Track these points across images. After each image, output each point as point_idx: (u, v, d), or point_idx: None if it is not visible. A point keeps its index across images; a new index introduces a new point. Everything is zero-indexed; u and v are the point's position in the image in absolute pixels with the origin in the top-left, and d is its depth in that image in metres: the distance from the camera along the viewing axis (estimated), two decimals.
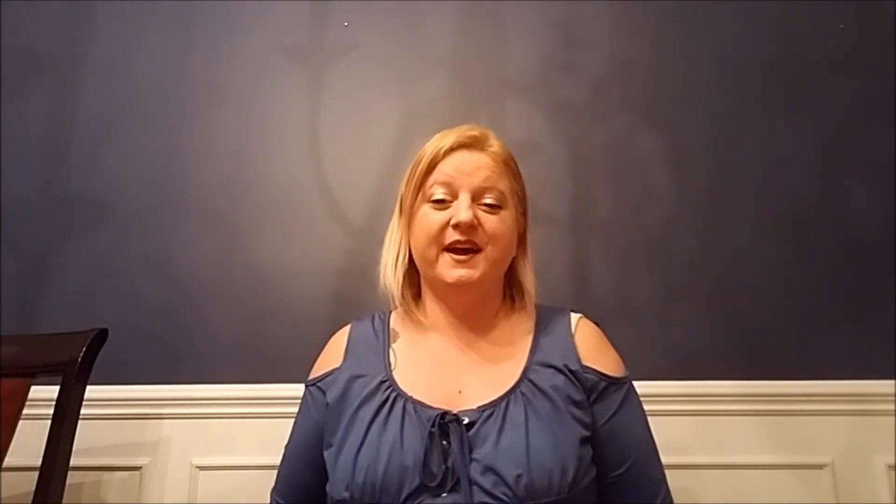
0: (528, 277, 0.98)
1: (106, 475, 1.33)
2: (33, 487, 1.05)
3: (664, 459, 1.31)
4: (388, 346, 0.96)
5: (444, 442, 0.83)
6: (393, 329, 0.99)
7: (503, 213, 0.92)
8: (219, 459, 1.33)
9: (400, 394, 0.89)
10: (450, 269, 0.90)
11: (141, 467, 1.33)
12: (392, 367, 0.93)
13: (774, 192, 1.45)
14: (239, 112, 1.51)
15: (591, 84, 1.51)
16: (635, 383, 1.30)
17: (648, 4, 1.54)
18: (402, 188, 0.98)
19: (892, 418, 1.32)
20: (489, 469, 0.80)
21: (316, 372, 1.00)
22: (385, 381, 0.91)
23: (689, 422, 1.34)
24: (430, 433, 0.83)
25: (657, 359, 1.38)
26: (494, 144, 0.96)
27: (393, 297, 0.97)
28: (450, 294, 0.94)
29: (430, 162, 0.93)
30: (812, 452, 1.32)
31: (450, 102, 1.52)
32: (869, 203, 1.44)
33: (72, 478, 1.11)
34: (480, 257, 0.90)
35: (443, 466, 0.81)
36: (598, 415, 0.90)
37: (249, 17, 1.55)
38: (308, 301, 1.42)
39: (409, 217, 0.95)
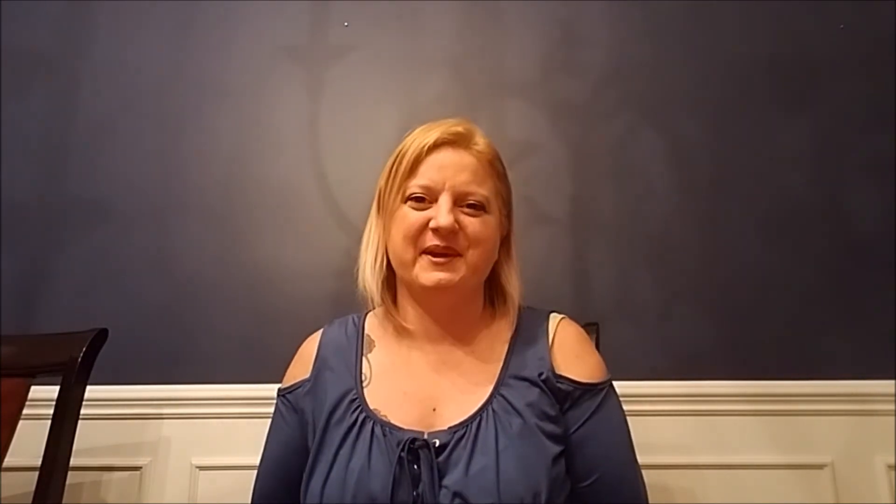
0: (512, 282, 0.93)
1: (106, 475, 1.33)
2: (33, 487, 1.05)
3: (665, 459, 1.32)
4: (362, 356, 0.92)
5: (415, 466, 0.80)
6: (368, 336, 0.95)
7: (486, 216, 0.88)
8: (219, 459, 1.33)
9: (369, 415, 0.85)
10: (428, 273, 0.85)
11: (141, 467, 1.33)
12: (365, 381, 0.89)
13: (774, 192, 1.45)
14: (239, 112, 1.51)
15: (591, 84, 1.51)
16: (636, 383, 1.31)
17: (648, 4, 1.54)
18: (380, 182, 0.93)
19: (892, 418, 1.31)
20: (459, 497, 0.78)
21: (286, 381, 0.97)
22: (355, 400, 0.87)
23: (689, 422, 1.34)
24: (400, 458, 0.80)
25: (657, 359, 1.38)
26: (480, 142, 0.90)
27: (372, 298, 0.92)
28: (427, 298, 0.90)
29: (413, 160, 0.87)
30: (812, 452, 1.32)
31: (450, 102, 1.51)
32: (869, 203, 1.44)
33: (72, 478, 1.11)
34: (461, 261, 0.86)
35: (412, 494, 0.78)
36: (570, 422, 0.87)
37: (249, 17, 1.55)
38: (308, 301, 1.41)
39: (389, 216, 0.90)
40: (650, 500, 0.94)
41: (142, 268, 1.44)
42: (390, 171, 0.91)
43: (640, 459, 0.93)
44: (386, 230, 0.91)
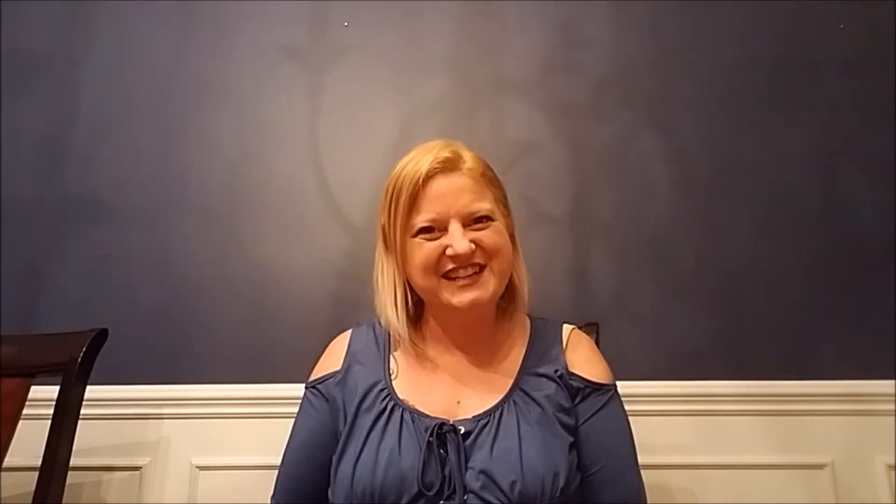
0: (520, 276, 0.97)
1: (106, 475, 1.33)
2: (33, 487, 1.05)
3: (665, 459, 1.32)
4: (389, 354, 0.97)
5: (442, 451, 0.85)
6: (394, 338, 0.98)
7: (495, 224, 0.91)
8: (219, 459, 1.34)
9: (398, 403, 0.91)
10: (459, 295, 0.89)
11: (141, 467, 1.33)
12: (393, 375, 0.95)
13: (774, 192, 1.45)
14: (239, 112, 1.51)
15: (592, 84, 1.51)
16: (636, 383, 1.31)
17: (649, 4, 1.54)
18: (381, 219, 0.95)
19: (892, 418, 1.32)
20: (484, 476, 0.83)
21: (316, 374, 1.01)
22: (384, 390, 0.92)
23: (689, 422, 1.34)
24: (429, 442, 0.85)
25: (657, 359, 1.38)
26: (468, 159, 0.93)
27: (400, 337, 0.95)
28: (459, 315, 0.93)
29: (411, 195, 0.90)
30: (812, 452, 1.32)
31: (450, 102, 1.52)
32: (869, 203, 1.44)
33: (72, 478, 1.11)
34: (487, 273, 0.90)
35: (440, 475, 0.84)
36: (580, 414, 0.92)
37: (249, 17, 1.55)
38: (308, 301, 1.41)
39: (400, 252, 0.92)
40: (650, 501, 0.95)
41: (142, 268, 1.44)
42: (390, 209, 0.92)
43: (640, 459, 0.94)
44: (398, 265, 0.94)
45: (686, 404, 1.34)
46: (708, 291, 1.42)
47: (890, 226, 1.43)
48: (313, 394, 0.99)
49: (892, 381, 1.33)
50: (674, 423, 1.33)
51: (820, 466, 1.31)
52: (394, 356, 0.97)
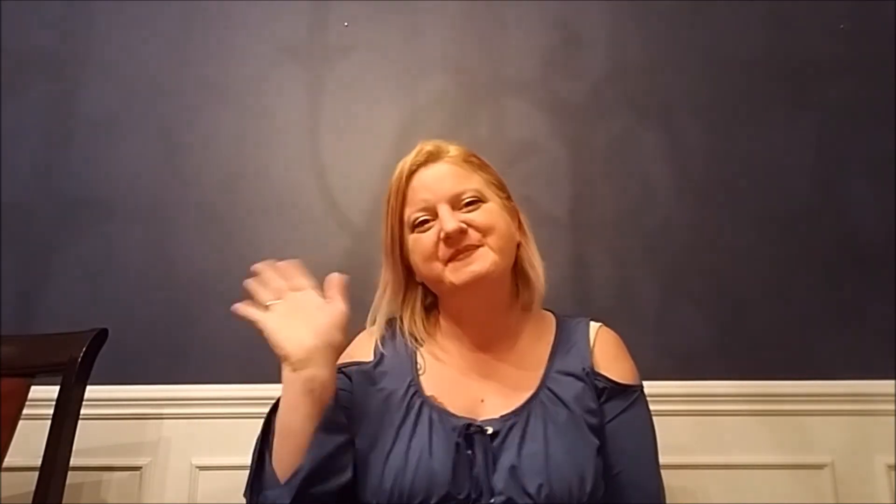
0: (532, 263, 0.98)
1: (106, 475, 1.33)
2: (33, 487, 1.05)
3: (665, 459, 1.30)
4: (417, 351, 0.98)
5: (469, 451, 0.85)
6: (419, 334, 1.00)
7: (486, 205, 0.93)
8: (219, 459, 1.33)
9: (426, 400, 0.90)
10: (458, 273, 0.90)
11: (141, 467, 1.33)
12: (420, 370, 0.95)
13: (774, 192, 1.45)
14: (239, 112, 1.51)
15: (591, 84, 1.51)
16: None
17: (648, 4, 1.54)
18: (382, 233, 0.99)
19: (892, 418, 1.31)
20: (512, 479, 0.82)
21: (343, 360, 0.99)
22: (412, 386, 0.92)
23: (689, 422, 1.34)
24: (457, 443, 0.85)
25: (657, 359, 1.37)
26: (450, 150, 0.97)
27: (417, 338, 0.98)
28: (466, 297, 0.93)
29: (398, 193, 0.95)
30: (812, 452, 1.32)
31: (450, 102, 1.52)
32: (869, 203, 1.44)
33: (72, 478, 1.11)
34: (483, 250, 0.90)
35: (469, 476, 0.83)
36: (604, 414, 0.92)
37: (249, 16, 1.55)
38: None
39: (403, 252, 0.96)
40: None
41: (142, 268, 1.44)
42: (387, 212, 0.97)
43: None
44: (403, 267, 0.97)
45: (686, 404, 1.34)
46: (708, 291, 1.42)
47: (890, 226, 1.43)
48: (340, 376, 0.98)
49: (892, 381, 1.33)
50: (674, 423, 1.33)
51: (820, 466, 1.31)
52: (421, 353, 0.97)
